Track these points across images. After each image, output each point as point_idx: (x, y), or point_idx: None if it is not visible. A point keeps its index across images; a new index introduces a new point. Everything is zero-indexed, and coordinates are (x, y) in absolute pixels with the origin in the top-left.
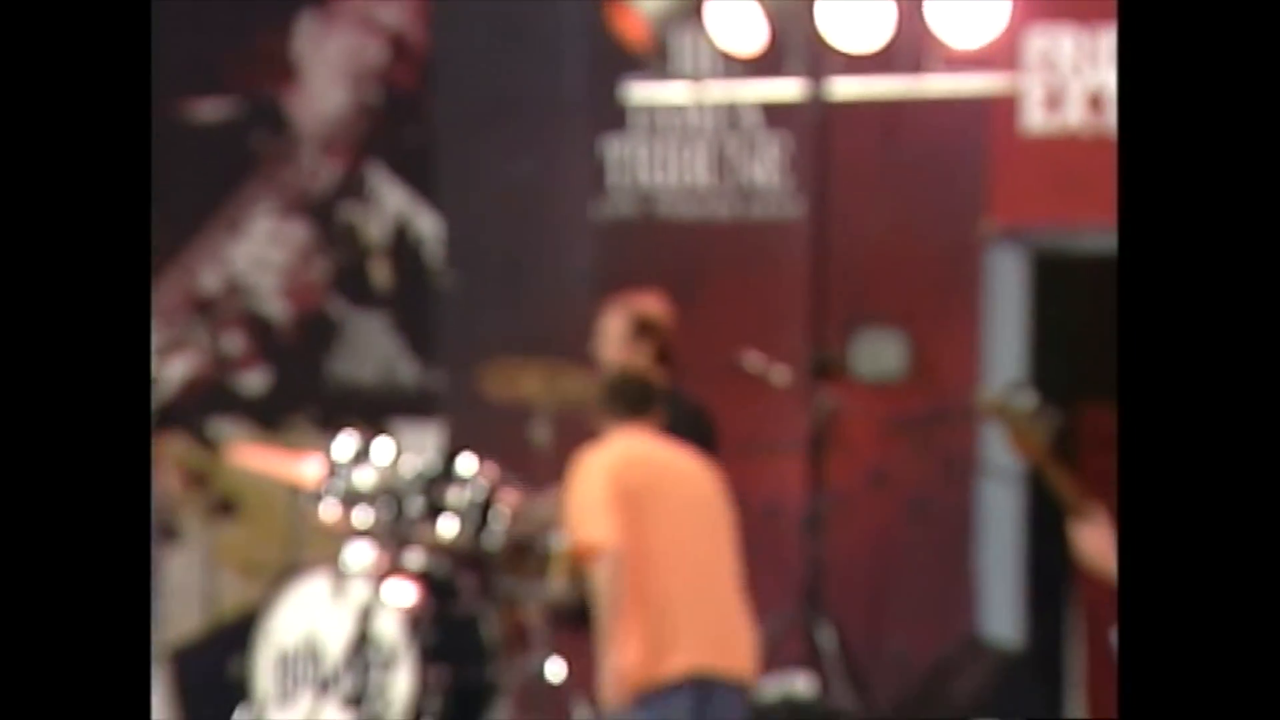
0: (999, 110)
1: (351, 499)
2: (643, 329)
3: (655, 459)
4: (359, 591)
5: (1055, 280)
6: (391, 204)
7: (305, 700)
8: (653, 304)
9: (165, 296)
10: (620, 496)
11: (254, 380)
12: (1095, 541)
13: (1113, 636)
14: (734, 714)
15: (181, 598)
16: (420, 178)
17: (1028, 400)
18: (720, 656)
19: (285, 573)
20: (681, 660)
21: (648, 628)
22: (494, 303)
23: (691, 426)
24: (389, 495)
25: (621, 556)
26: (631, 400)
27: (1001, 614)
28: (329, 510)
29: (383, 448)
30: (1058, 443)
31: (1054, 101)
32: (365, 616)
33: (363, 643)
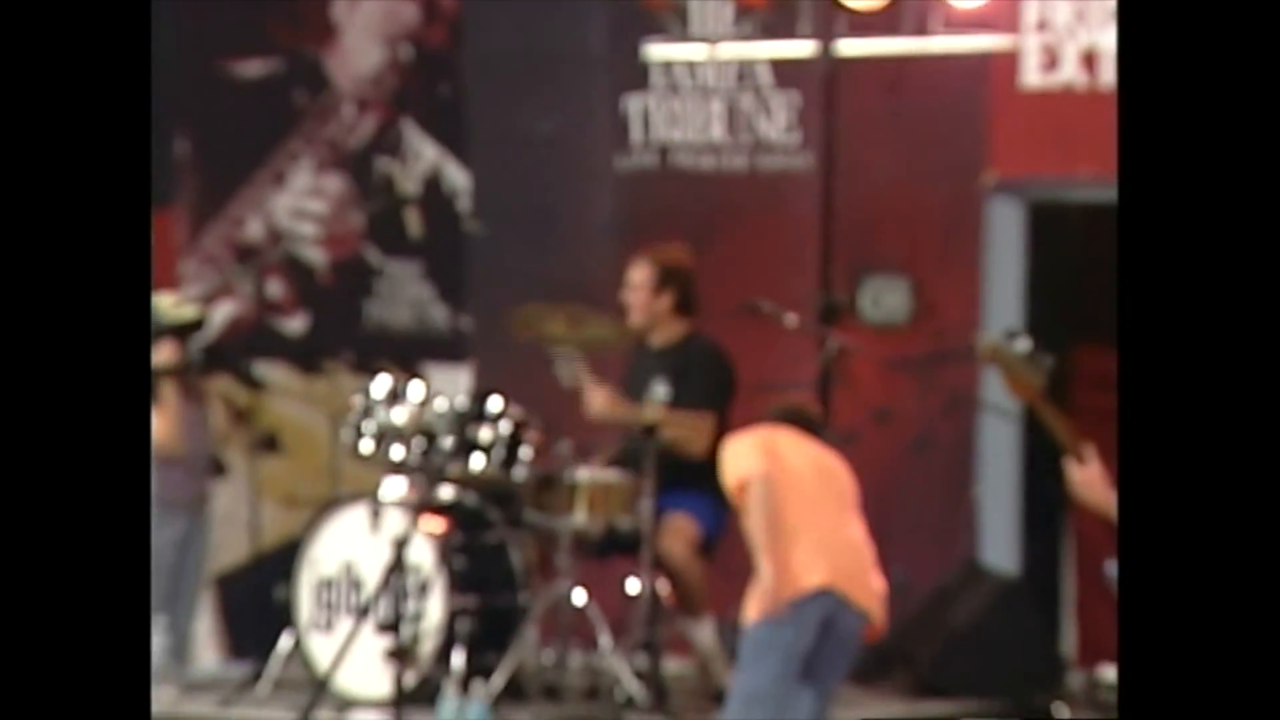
0: (999, 68)
1: (387, 436)
2: (668, 277)
3: (797, 440)
4: (394, 523)
5: (1051, 227)
6: (424, 157)
7: (344, 624)
8: (678, 252)
9: (212, 245)
10: (765, 446)
11: (295, 324)
12: (1087, 478)
13: (1108, 568)
14: (856, 637)
15: (228, 528)
16: (451, 132)
17: (1022, 345)
18: (851, 587)
19: (325, 505)
20: (818, 578)
21: (784, 554)
22: (521, 250)
23: (713, 367)
24: (422, 432)
25: (770, 482)
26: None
27: (999, 543)
28: (366, 446)
29: (416, 387)
30: (1051, 385)
31: (1050, 60)
32: (400, 546)
33: (398, 571)
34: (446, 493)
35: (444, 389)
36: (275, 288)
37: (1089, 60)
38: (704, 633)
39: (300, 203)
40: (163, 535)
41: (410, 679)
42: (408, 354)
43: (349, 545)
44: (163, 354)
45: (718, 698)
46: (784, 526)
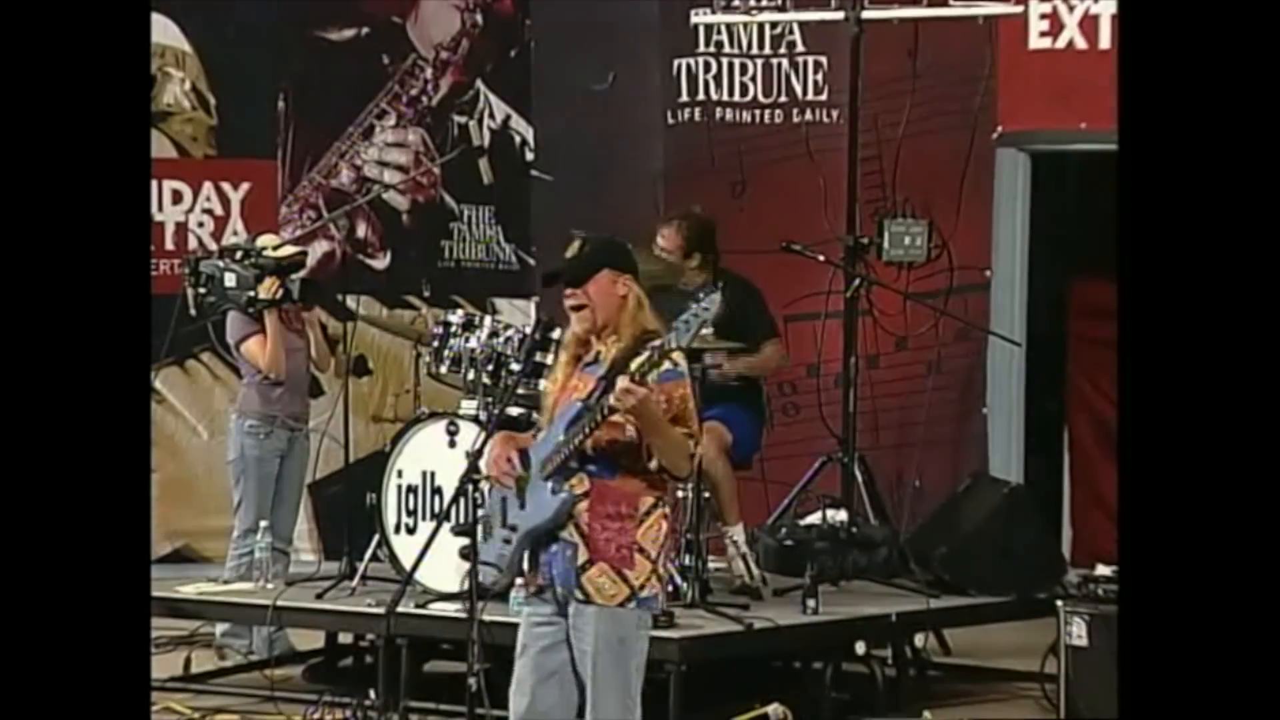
0: (1007, 31)
1: (462, 360)
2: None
3: None
4: (469, 437)
5: (1052, 175)
6: (494, 113)
7: (425, 527)
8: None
9: (308, 192)
10: None
11: (380, 261)
12: None
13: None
14: None
15: (323, 441)
16: (518, 90)
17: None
18: None
19: (408, 421)
20: None
21: None
22: (580, 195)
23: (747, 299)
24: (493, 357)
25: None
26: None
27: (1005, 455)
28: (444, 370)
29: (487, 318)
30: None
31: (1054, 24)
32: (474, 458)
33: (472, 480)
34: (515, 410)
35: (512, 319)
36: (363, 229)
37: (1088, 25)
38: (736, 535)
39: (385, 154)
40: (267, 447)
41: (483, 576)
42: (479, 288)
43: (429, 457)
44: (266, 289)
45: (744, 590)
46: None
